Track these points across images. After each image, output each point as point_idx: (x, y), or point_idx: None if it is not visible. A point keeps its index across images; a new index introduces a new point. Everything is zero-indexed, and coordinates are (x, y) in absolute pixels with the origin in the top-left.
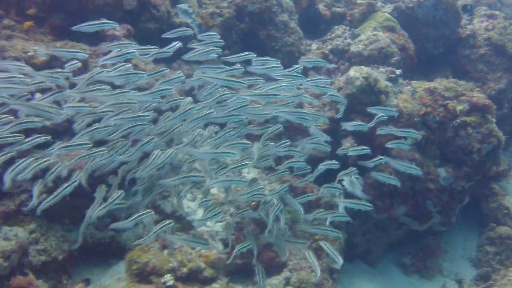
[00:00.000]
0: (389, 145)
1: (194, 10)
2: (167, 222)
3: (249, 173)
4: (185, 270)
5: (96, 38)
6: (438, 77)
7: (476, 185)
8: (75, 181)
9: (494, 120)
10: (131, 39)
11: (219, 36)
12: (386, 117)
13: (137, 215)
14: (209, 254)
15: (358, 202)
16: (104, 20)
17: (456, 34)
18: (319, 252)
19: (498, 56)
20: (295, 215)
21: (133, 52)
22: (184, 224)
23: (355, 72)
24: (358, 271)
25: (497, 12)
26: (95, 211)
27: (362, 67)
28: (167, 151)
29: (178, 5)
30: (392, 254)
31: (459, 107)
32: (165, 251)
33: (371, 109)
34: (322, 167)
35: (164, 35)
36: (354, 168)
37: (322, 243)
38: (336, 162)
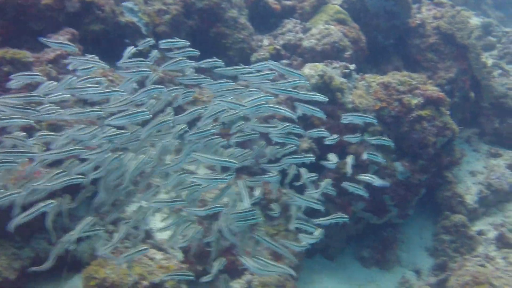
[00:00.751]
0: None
1: (140, 8)
2: (142, 248)
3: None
4: (146, 283)
5: (40, 44)
6: (390, 67)
7: (430, 176)
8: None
9: (448, 112)
10: (76, 43)
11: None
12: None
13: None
14: (169, 265)
15: (312, 201)
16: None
17: (406, 24)
18: (278, 254)
19: (447, 45)
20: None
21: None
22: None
23: (310, 70)
24: (318, 266)
25: (444, 0)
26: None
27: (317, 64)
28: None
29: (123, 3)
30: (351, 247)
31: (414, 101)
32: (124, 264)
33: (346, 116)
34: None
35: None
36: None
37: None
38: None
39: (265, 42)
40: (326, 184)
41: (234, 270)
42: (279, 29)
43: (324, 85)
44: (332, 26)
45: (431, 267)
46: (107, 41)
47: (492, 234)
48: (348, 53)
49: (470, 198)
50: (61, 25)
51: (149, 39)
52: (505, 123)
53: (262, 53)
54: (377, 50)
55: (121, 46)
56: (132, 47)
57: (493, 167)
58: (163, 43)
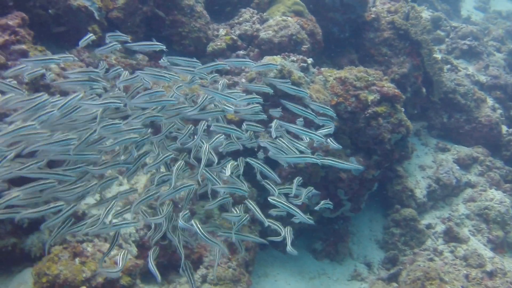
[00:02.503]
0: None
1: None
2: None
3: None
4: (100, 280)
5: None
6: (344, 60)
7: (383, 170)
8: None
9: (403, 110)
10: (26, 27)
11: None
12: None
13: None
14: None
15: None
16: None
17: (362, 18)
18: (234, 247)
19: (401, 40)
20: (208, 210)
21: None
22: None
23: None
24: (271, 258)
25: None
26: None
27: (275, 57)
28: None
29: None
30: (303, 240)
31: (370, 97)
32: (77, 260)
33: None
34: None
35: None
36: None
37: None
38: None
39: (222, 31)
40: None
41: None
42: (235, 18)
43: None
44: (289, 18)
45: (382, 260)
46: (59, 25)
47: (440, 228)
48: (305, 46)
49: (420, 192)
50: (10, 8)
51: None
52: (452, 118)
53: (218, 43)
54: (332, 43)
55: (73, 31)
56: (91, 34)
57: (441, 162)
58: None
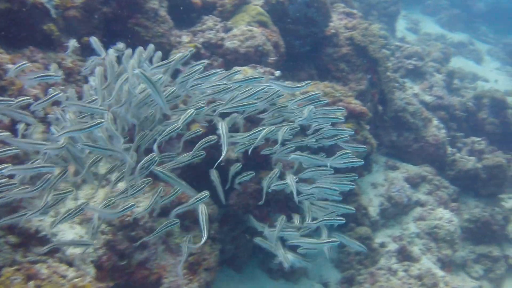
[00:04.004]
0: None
1: None
2: None
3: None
4: None
5: None
6: (303, 75)
7: None
8: None
9: (368, 127)
10: None
11: None
12: None
13: None
14: (85, 285)
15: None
16: None
17: (323, 33)
18: (195, 267)
19: (359, 57)
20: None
21: None
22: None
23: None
24: (226, 278)
25: (354, 11)
26: None
27: (246, 68)
28: None
29: None
30: (259, 258)
31: (338, 114)
32: (31, 283)
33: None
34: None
35: None
36: None
37: None
38: None
39: (185, 38)
40: None
41: (147, 285)
42: (198, 25)
43: None
44: (255, 28)
45: (338, 280)
46: (12, 22)
47: (392, 246)
48: (272, 58)
49: (373, 210)
50: None
51: None
52: (401, 136)
53: (182, 51)
54: (293, 56)
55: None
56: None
57: (392, 180)
58: None
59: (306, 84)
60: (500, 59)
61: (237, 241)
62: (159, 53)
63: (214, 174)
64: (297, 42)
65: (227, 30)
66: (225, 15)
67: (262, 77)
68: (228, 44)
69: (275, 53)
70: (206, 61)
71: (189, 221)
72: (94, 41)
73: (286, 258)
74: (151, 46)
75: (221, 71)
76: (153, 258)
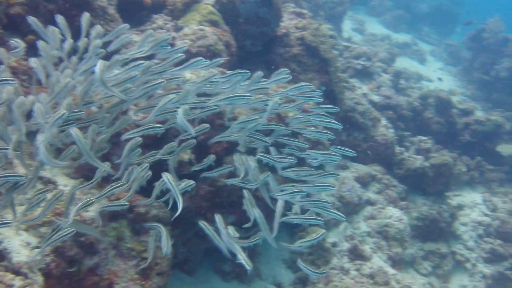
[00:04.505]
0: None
1: None
2: None
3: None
4: None
5: None
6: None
7: None
8: None
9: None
10: None
11: None
12: None
13: None
14: None
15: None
16: None
17: (274, 32)
18: (147, 272)
19: (310, 57)
20: (120, 231)
21: None
22: None
23: (191, 75)
24: (178, 282)
25: (304, 11)
26: None
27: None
28: None
29: None
30: (211, 261)
31: (291, 114)
32: None
33: None
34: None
35: None
36: None
37: None
38: None
39: (134, 37)
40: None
41: None
42: (148, 24)
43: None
44: (206, 28)
45: (292, 281)
46: None
47: (344, 246)
48: (225, 58)
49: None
50: None
51: None
52: (351, 136)
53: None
54: (244, 56)
55: None
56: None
57: (343, 180)
58: None
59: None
60: (443, 59)
61: (189, 244)
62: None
63: (167, 176)
64: (248, 41)
65: (178, 29)
66: (175, 14)
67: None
68: (179, 43)
69: (227, 53)
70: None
71: (140, 225)
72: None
73: (247, 260)
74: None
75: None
76: (103, 264)
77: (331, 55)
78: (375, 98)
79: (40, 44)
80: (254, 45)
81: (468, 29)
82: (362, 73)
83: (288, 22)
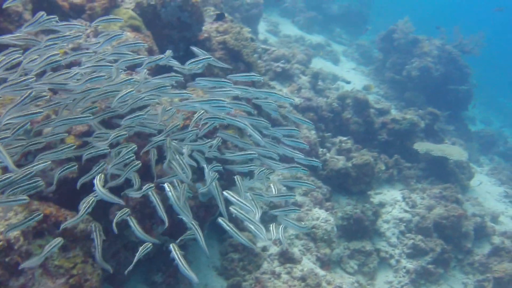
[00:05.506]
0: None
1: None
2: None
3: None
4: None
5: None
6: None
7: None
8: None
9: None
10: None
11: None
12: None
13: None
14: None
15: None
16: None
17: (196, 37)
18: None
19: (233, 61)
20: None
21: None
22: None
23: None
24: None
25: (225, 14)
26: None
27: (122, 75)
28: None
29: None
30: (140, 272)
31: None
32: None
33: None
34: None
35: None
36: None
37: None
38: None
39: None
40: None
41: None
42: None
43: None
44: (128, 33)
45: None
46: None
47: (273, 249)
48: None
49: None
50: None
51: None
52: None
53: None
54: None
55: None
56: None
57: (270, 183)
58: None
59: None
60: (355, 59)
61: (117, 257)
62: None
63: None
64: (170, 46)
65: (98, 35)
66: (94, 18)
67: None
68: (99, 49)
69: None
70: None
71: (68, 240)
72: None
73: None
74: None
75: None
76: (30, 284)
77: (253, 59)
78: (296, 100)
79: None
80: (177, 50)
81: (372, 32)
82: (282, 75)
83: (209, 26)
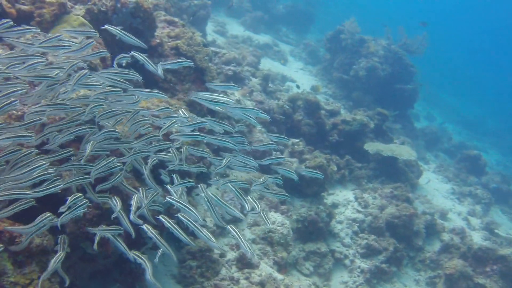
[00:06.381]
0: None
1: None
2: None
3: None
4: None
5: None
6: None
7: None
8: None
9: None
10: None
11: None
12: None
13: None
14: None
15: None
16: None
17: (149, 43)
18: None
19: (186, 67)
20: (1, 265)
21: None
22: None
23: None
24: None
25: (176, 19)
26: None
27: None
28: None
29: None
30: (97, 284)
31: (174, 130)
32: None
33: None
34: None
35: None
36: None
37: None
38: None
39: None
40: None
41: None
42: (14, 38)
43: None
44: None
45: None
46: None
47: (231, 255)
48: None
49: (209, 221)
50: None
51: None
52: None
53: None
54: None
55: None
56: None
57: (225, 188)
58: None
59: None
60: (302, 59)
61: (74, 269)
62: None
63: None
64: (122, 53)
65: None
66: (44, 26)
67: None
68: (50, 58)
69: (103, 66)
70: None
71: (23, 256)
72: None
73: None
74: None
75: None
76: None
77: (206, 64)
78: (248, 103)
79: None
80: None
81: (319, 31)
82: (233, 78)
83: (160, 31)
